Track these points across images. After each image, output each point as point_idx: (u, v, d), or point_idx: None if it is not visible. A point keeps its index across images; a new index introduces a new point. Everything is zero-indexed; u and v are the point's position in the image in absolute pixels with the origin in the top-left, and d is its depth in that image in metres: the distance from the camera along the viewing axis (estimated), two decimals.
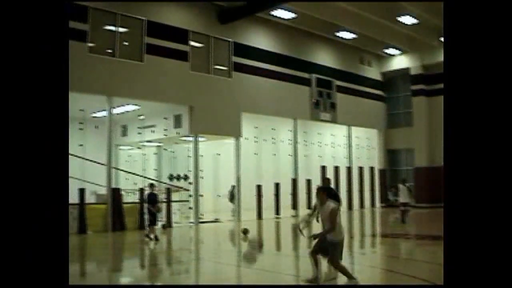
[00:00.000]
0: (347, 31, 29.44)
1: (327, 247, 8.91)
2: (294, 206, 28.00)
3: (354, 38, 30.67)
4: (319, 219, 9.53)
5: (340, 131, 32.96)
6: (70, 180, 16.83)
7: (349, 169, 32.70)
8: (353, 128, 33.33)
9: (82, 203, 19.93)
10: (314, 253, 9.11)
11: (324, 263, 9.32)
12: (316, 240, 9.10)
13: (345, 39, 30.90)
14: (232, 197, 26.55)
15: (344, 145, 33.19)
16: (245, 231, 18.80)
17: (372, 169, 34.80)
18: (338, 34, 30.04)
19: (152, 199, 18.03)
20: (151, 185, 18.98)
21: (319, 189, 9.35)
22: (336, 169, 31.58)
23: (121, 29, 21.67)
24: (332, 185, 22.27)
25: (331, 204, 8.93)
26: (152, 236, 17.28)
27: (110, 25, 21.47)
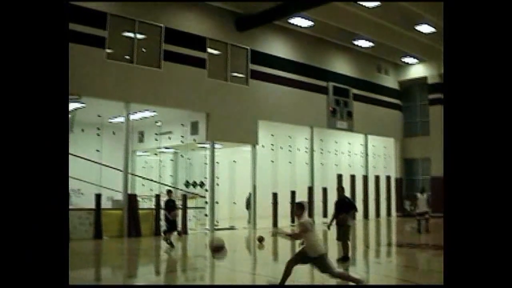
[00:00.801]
0: (365, 39, 29.38)
1: (309, 261, 9.20)
2: (310, 214, 27.90)
3: (371, 47, 30.61)
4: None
5: (356, 139, 32.85)
6: (87, 185, 16.95)
7: (365, 178, 32.55)
8: (370, 137, 33.19)
9: (98, 209, 20.03)
10: (292, 262, 9.37)
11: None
12: (298, 252, 9.55)
13: (362, 47, 30.84)
14: (249, 204, 26.54)
15: (361, 154, 33.06)
16: (261, 239, 18.77)
17: (388, 178, 34.62)
18: (355, 42, 29.99)
19: (170, 205, 18.05)
20: (169, 192, 19.03)
21: (297, 204, 9.81)
22: (353, 177, 31.45)
23: (139, 36, 21.79)
24: (347, 194, 22.17)
25: (304, 218, 9.26)
26: (169, 241, 17.38)
27: (128, 31, 21.61)
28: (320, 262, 9.02)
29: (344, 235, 13.85)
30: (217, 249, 11.52)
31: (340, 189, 15.03)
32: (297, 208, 9.61)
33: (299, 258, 9.34)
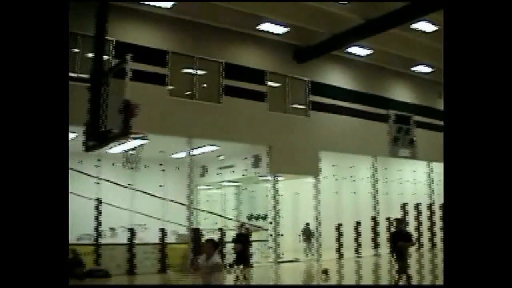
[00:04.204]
0: (424, 65, 29.11)
1: None
2: (375, 245, 27.48)
3: (431, 72, 30.26)
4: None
5: (420, 167, 32.29)
6: (152, 220, 17.17)
7: (430, 206, 31.88)
8: (434, 164, 32.52)
9: (163, 243, 20.25)
10: None
11: None
12: None
13: (422, 73, 30.52)
14: (306, 236, 26.38)
15: (425, 182, 32.44)
16: (326, 271, 18.56)
17: None
18: (414, 68, 29.74)
19: (237, 239, 18.11)
20: (241, 225, 19.20)
21: (208, 241, 9.03)
22: (417, 206, 30.86)
23: (199, 72, 22.18)
24: (412, 223, 21.70)
25: (216, 258, 8.56)
26: (237, 274, 17.50)
27: (188, 68, 22.04)
28: None
29: (404, 267, 13.53)
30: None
31: (398, 221, 14.63)
32: (210, 246, 8.70)
33: None
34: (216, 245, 8.81)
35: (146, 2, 20.21)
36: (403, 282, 13.53)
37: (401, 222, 14.61)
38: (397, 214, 26.19)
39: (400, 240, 13.60)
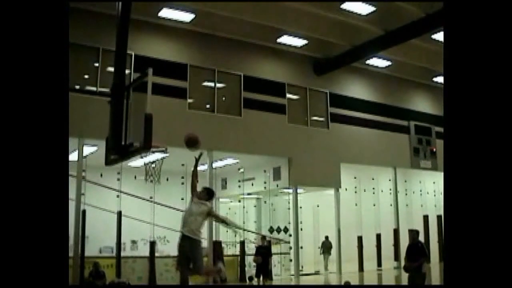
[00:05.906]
0: None
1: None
2: (396, 257, 27.25)
3: None
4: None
5: (441, 178, 31.83)
6: (173, 233, 17.16)
7: None
8: None
9: None
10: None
11: None
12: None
13: (443, 84, 30.29)
14: (325, 249, 26.21)
15: None
16: (347, 284, 18.40)
17: None
18: (435, 79, 29.54)
19: (260, 252, 18.09)
20: (263, 238, 19.21)
21: (203, 188, 10.16)
22: (439, 218, 30.56)
23: (219, 85, 22.27)
24: (435, 236, 21.47)
25: (207, 205, 9.43)
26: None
27: (208, 81, 22.14)
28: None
29: (419, 283, 13.23)
30: (192, 142, 11.15)
31: (414, 233, 14.21)
32: (205, 193, 9.97)
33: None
34: (210, 193, 10.03)
35: (165, 16, 20.38)
36: None
37: (418, 234, 14.28)
38: (419, 226, 25.99)
39: (414, 253, 13.32)
